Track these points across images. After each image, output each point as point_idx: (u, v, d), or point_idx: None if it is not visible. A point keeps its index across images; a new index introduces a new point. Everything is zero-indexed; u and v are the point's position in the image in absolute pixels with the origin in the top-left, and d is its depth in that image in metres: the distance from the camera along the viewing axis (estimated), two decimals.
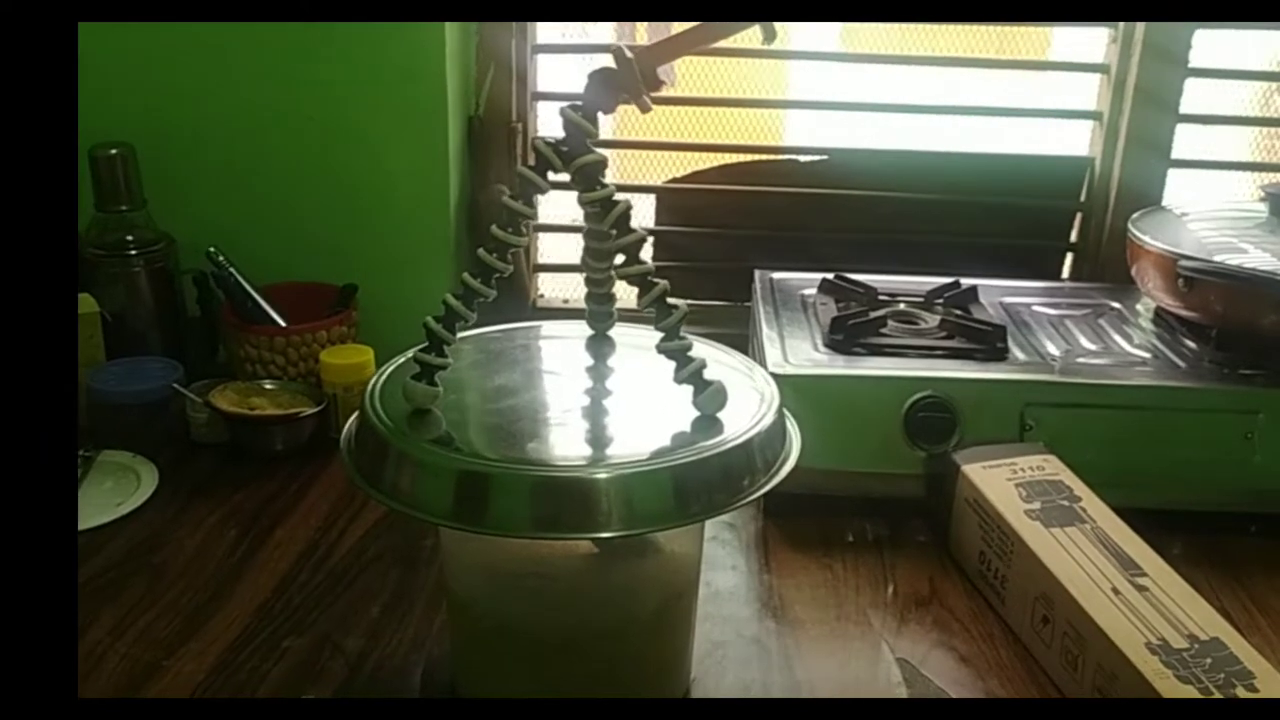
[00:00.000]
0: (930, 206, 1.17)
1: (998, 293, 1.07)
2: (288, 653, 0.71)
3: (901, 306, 1.02)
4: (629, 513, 0.54)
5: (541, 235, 1.23)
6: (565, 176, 0.61)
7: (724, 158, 1.20)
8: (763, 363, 0.90)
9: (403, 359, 0.67)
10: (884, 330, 0.95)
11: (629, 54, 0.56)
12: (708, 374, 0.61)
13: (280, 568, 0.80)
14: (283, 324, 1.03)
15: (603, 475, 0.54)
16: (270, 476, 0.93)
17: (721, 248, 1.21)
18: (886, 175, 1.18)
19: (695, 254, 1.21)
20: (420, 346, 0.61)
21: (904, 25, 1.16)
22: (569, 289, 1.27)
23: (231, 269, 1.03)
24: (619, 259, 0.60)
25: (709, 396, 0.60)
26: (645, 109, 0.58)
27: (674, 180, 1.21)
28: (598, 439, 0.60)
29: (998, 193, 1.18)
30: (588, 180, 0.59)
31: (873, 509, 0.89)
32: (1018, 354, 0.92)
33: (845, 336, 0.92)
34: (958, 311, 1.00)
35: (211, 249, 1.02)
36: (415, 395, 0.60)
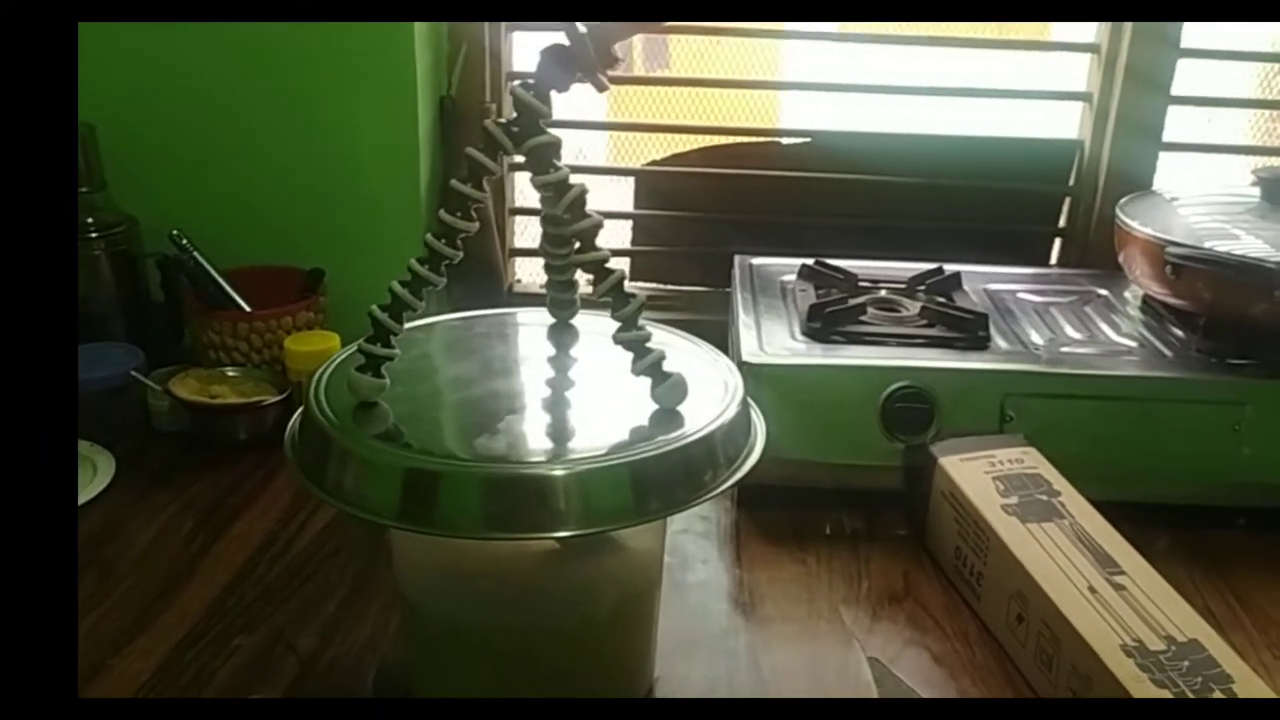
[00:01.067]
0: (916, 190, 1.15)
1: (982, 279, 1.04)
2: (238, 650, 0.68)
3: (882, 293, 0.99)
4: (586, 510, 0.52)
5: (517, 219, 1.20)
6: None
7: (705, 140, 1.17)
8: (738, 351, 0.87)
9: (352, 349, 0.64)
10: (863, 318, 0.92)
11: (582, 29, 0.53)
12: (668, 365, 0.59)
13: (236, 561, 0.78)
14: (247, 309, 1.00)
15: (559, 471, 0.52)
16: (232, 466, 0.91)
17: (702, 232, 1.18)
18: (871, 158, 1.15)
19: (675, 238, 1.18)
20: (366, 336, 0.58)
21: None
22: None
23: (195, 252, 1.00)
24: (575, 245, 0.57)
25: (668, 389, 0.58)
26: (601, 88, 0.56)
27: (653, 163, 1.18)
28: (554, 433, 0.57)
29: (985, 176, 1.15)
30: (540, 163, 0.56)
31: (849, 501, 0.86)
32: (1000, 343, 0.90)
33: (823, 324, 0.90)
34: (940, 299, 0.97)
35: (174, 231, 0.99)
36: (360, 388, 0.57)
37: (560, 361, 0.66)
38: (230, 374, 0.97)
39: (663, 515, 0.55)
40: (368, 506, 0.53)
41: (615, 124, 1.18)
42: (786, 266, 1.06)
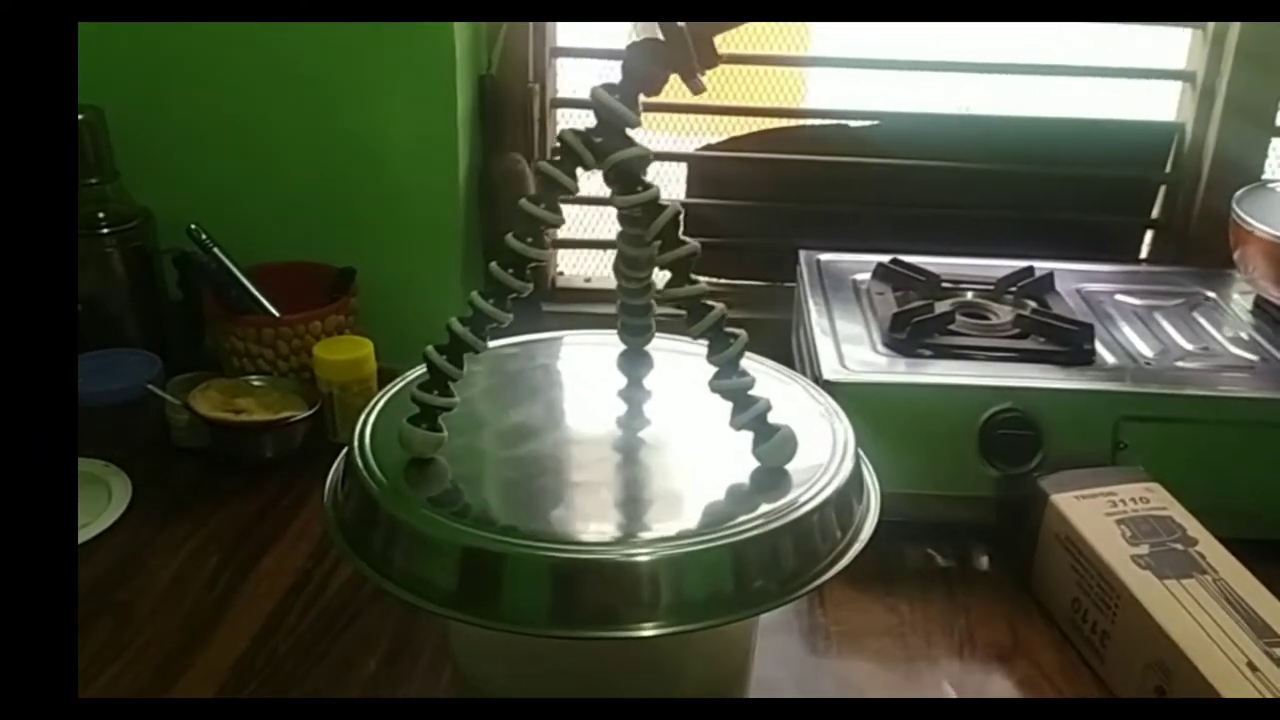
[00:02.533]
0: (992, 177, 1.05)
1: (1074, 278, 0.95)
2: None
3: (969, 297, 0.90)
4: (677, 602, 0.44)
5: (562, 207, 1.11)
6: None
7: (763, 122, 1.08)
8: (815, 365, 0.79)
9: (402, 383, 0.56)
10: (952, 327, 0.83)
11: (681, 24, 0.44)
12: (772, 416, 0.50)
13: (265, 607, 0.70)
14: (274, 312, 0.92)
15: (644, 557, 0.44)
16: (259, 488, 0.83)
17: (760, 222, 1.09)
18: (944, 143, 1.05)
19: (731, 229, 1.09)
20: (420, 380, 0.50)
21: None
22: (591, 266, 1.15)
23: (215, 249, 0.91)
24: (665, 276, 0.48)
25: (775, 446, 0.49)
26: (698, 90, 0.47)
27: (707, 147, 1.09)
28: (636, 500, 0.49)
29: (1068, 162, 1.05)
30: (626, 180, 0.48)
31: (937, 535, 0.78)
32: (1105, 356, 0.81)
33: (908, 335, 0.81)
34: (1033, 304, 0.88)
35: (193, 226, 0.91)
36: (413, 442, 0.49)
37: (636, 401, 0.57)
38: (256, 384, 0.89)
39: (770, 607, 0.46)
40: (418, 588, 0.45)
41: (670, 105, 1.08)
42: (857, 263, 0.97)
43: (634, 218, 0.50)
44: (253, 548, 0.76)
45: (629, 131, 0.48)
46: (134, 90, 0.95)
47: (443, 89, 0.96)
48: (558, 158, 0.48)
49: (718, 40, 0.47)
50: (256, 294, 0.92)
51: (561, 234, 1.12)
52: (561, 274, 1.14)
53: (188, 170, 0.98)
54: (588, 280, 1.13)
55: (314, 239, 0.98)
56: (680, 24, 0.45)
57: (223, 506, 0.81)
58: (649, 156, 0.48)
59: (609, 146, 0.47)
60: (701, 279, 1.06)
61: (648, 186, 0.48)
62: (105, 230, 0.93)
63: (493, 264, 0.48)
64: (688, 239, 0.48)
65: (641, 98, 0.48)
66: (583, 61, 1.08)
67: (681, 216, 0.49)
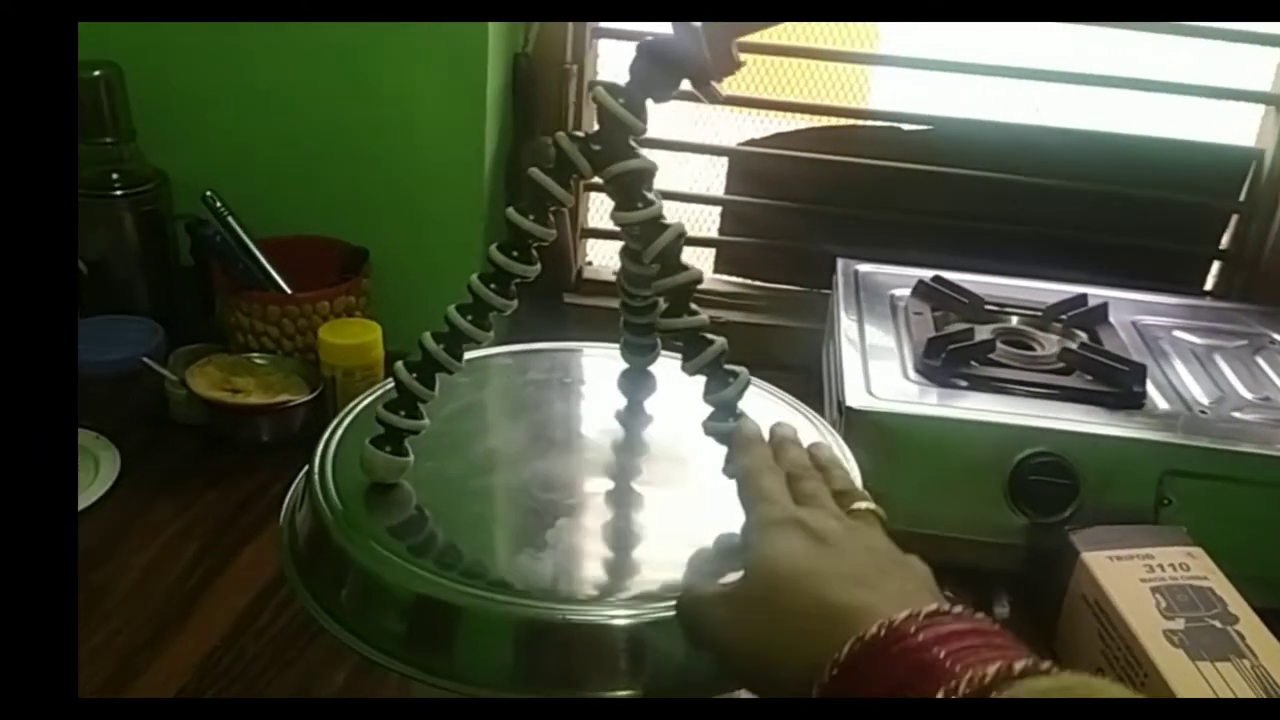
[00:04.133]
0: (1050, 193, 0.99)
1: (1130, 309, 0.89)
2: None
3: (1013, 323, 0.84)
4: (657, 670, 0.40)
5: (592, 195, 1.06)
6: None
7: (810, 120, 1.02)
8: (840, 387, 0.74)
9: (378, 392, 0.52)
10: (992, 356, 0.78)
11: (696, 24, 0.39)
12: None
13: (239, 603, 0.67)
14: (285, 288, 0.89)
15: (621, 620, 0.39)
16: (252, 471, 0.80)
17: (800, 224, 1.03)
18: (1000, 153, 0.99)
19: (769, 229, 1.04)
20: (387, 399, 0.46)
21: None
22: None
23: (230, 217, 0.88)
24: (661, 303, 0.44)
25: None
26: (714, 99, 0.42)
27: (751, 142, 1.03)
28: (618, 550, 0.44)
29: (1134, 183, 0.98)
30: (627, 194, 0.43)
31: (956, 579, 0.72)
32: (1157, 400, 0.75)
33: (943, 363, 0.75)
34: (1083, 336, 0.82)
35: (208, 193, 0.88)
36: (374, 466, 0.45)
37: (633, 429, 0.53)
38: (258, 362, 0.86)
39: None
40: (366, 631, 0.41)
41: (729, 98, 1.03)
42: (898, 277, 0.92)
43: (633, 234, 0.45)
44: (235, 536, 0.73)
45: (633, 140, 0.43)
46: (156, 49, 0.91)
47: (474, 64, 0.91)
48: (551, 165, 0.43)
49: (753, 39, 0.42)
50: (268, 268, 0.89)
51: (591, 223, 1.07)
52: (590, 264, 1.09)
53: (207, 134, 0.95)
54: (615, 274, 1.08)
55: (330, 213, 0.94)
56: (696, 24, 0.40)
57: (212, 488, 0.78)
58: (652, 169, 0.43)
59: (609, 156, 0.43)
60: (733, 278, 1.01)
61: (650, 203, 0.43)
62: (118, 192, 0.90)
63: (473, 277, 0.44)
64: (689, 265, 0.44)
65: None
66: (626, 44, 1.03)
67: (683, 239, 0.44)
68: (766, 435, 0.46)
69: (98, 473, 0.77)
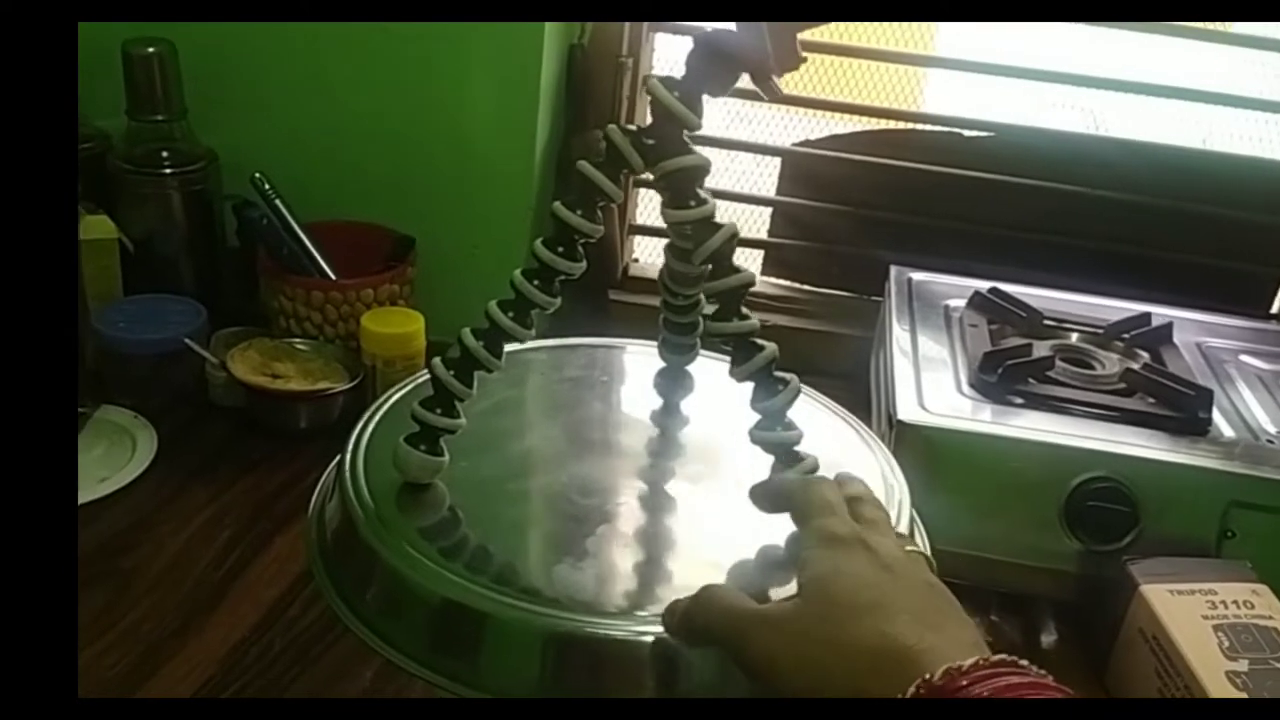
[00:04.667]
0: (1114, 206, 0.95)
1: (1195, 330, 0.86)
2: None
3: (1073, 340, 0.81)
4: (689, 687, 0.38)
5: (640, 191, 1.04)
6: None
7: (864, 123, 0.99)
8: (891, 400, 0.71)
9: (413, 384, 0.51)
10: (1050, 374, 0.75)
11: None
12: (820, 473, 0.44)
13: (269, 595, 0.66)
14: (330, 274, 0.88)
15: (652, 636, 0.38)
16: (288, 459, 0.79)
17: (853, 228, 1.01)
18: (1061, 163, 0.96)
19: (821, 232, 1.02)
20: (422, 395, 0.44)
21: None
22: None
23: (278, 200, 0.87)
24: (702, 302, 0.42)
25: None
26: (774, 96, 0.40)
27: (806, 143, 1.01)
28: (653, 561, 0.43)
29: (1203, 199, 0.95)
30: (679, 192, 0.41)
31: (1003, 604, 0.70)
32: (1222, 427, 0.71)
33: (1000, 379, 0.73)
34: (1146, 357, 0.79)
35: (257, 175, 0.87)
36: (408, 465, 0.43)
37: (670, 431, 0.51)
38: (300, 347, 0.85)
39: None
40: (390, 634, 0.40)
41: (785, 98, 1.00)
42: (953, 287, 0.89)
43: (683, 233, 0.43)
44: (268, 525, 0.72)
45: (687, 136, 0.41)
46: (211, 27, 0.90)
47: (529, 55, 0.90)
48: (602, 159, 0.41)
49: (803, 38, 0.40)
50: (314, 252, 0.88)
51: (640, 219, 1.05)
52: (636, 261, 1.07)
53: (258, 116, 0.94)
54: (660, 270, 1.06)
55: (377, 200, 0.93)
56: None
57: (248, 474, 0.77)
58: (706, 166, 0.41)
59: (662, 151, 0.41)
60: (781, 281, 0.98)
61: (702, 201, 0.41)
62: (168, 170, 0.90)
63: (516, 273, 0.42)
64: (741, 267, 0.42)
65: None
66: (683, 38, 1.01)
67: (736, 239, 0.42)
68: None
69: (134, 453, 0.77)
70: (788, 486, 0.41)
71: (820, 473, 0.44)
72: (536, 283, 0.42)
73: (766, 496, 0.42)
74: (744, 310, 0.42)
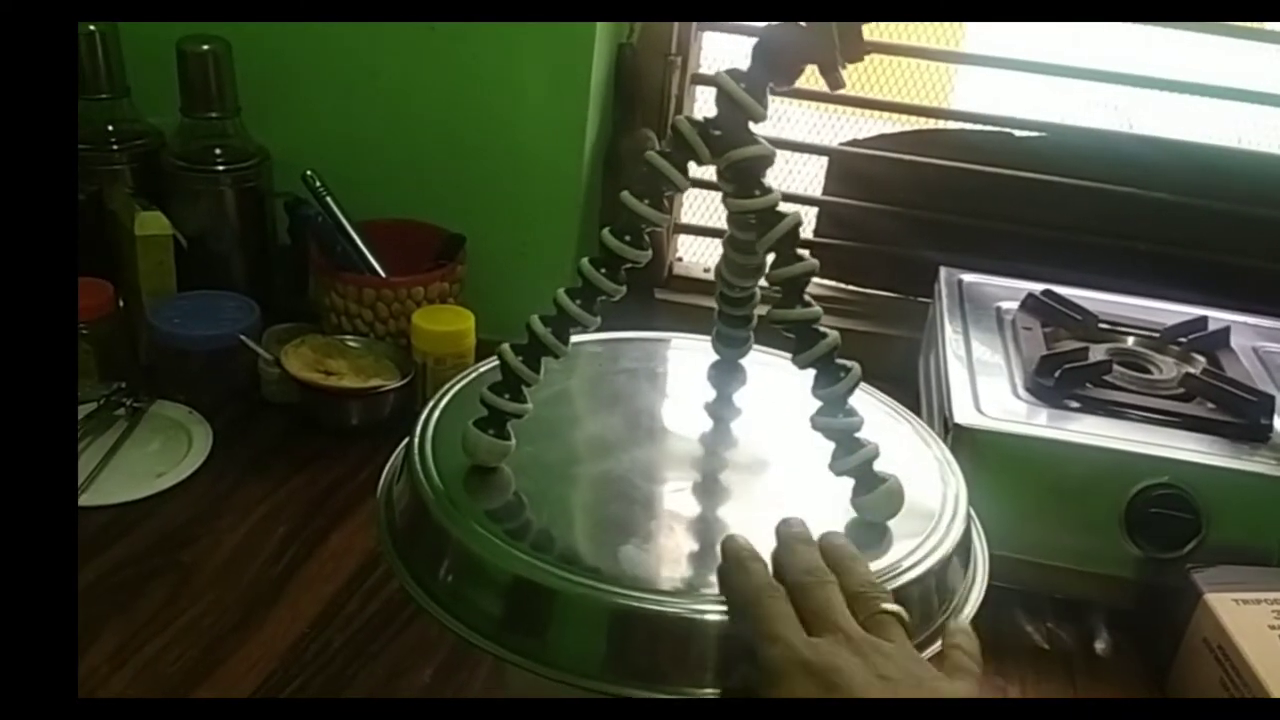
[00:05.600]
0: (1169, 209, 0.94)
1: (1252, 334, 0.85)
2: None
3: (1129, 344, 0.81)
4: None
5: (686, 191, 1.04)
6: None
7: (902, 121, 0.99)
8: (945, 403, 0.71)
9: (479, 370, 0.51)
10: (1107, 378, 0.74)
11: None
12: (880, 463, 0.44)
13: (326, 590, 0.67)
14: (380, 272, 0.88)
15: (714, 615, 0.38)
16: (341, 454, 0.80)
17: (901, 229, 1.00)
18: (1114, 164, 0.95)
19: (868, 233, 1.01)
20: (488, 380, 0.44)
21: None
22: (712, 255, 1.08)
23: (329, 198, 0.88)
24: (776, 294, 0.42)
25: (878, 499, 0.43)
26: (836, 85, 0.40)
27: (853, 142, 1.01)
28: (713, 542, 0.43)
29: (1260, 201, 0.94)
30: (745, 181, 0.42)
31: (1062, 612, 0.70)
32: None
33: (1057, 383, 0.72)
34: (1203, 361, 0.78)
35: (308, 173, 0.88)
36: (477, 449, 0.44)
37: (724, 421, 0.52)
38: (351, 344, 0.86)
39: None
40: (462, 610, 0.40)
41: (833, 96, 1.00)
42: (1004, 289, 0.88)
43: (748, 223, 0.44)
44: (324, 521, 0.73)
45: (751, 127, 0.41)
46: (265, 25, 0.91)
47: (579, 53, 0.90)
48: (669, 149, 0.42)
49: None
50: (365, 250, 0.89)
51: (684, 218, 1.05)
52: (680, 260, 1.07)
53: (310, 114, 0.95)
54: (707, 270, 1.06)
55: (428, 198, 0.94)
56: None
57: (302, 470, 0.78)
58: (771, 156, 0.42)
59: (729, 141, 0.41)
60: (827, 282, 0.98)
61: (767, 191, 0.42)
62: (221, 167, 0.90)
63: (584, 260, 0.43)
64: (805, 255, 0.42)
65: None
66: (733, 37, 1.00)
67: (801, 229, 0.42)
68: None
69: (190, 448, 0.78)
70: (735, 606, 0.40)
71: (878, 460, 0.44)
72: (604, 270, 0.43)
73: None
74: (807, 298, 0.43)
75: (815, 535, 0.43)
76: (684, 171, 0.44)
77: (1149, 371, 0.77)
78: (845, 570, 0.41)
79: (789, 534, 0.42)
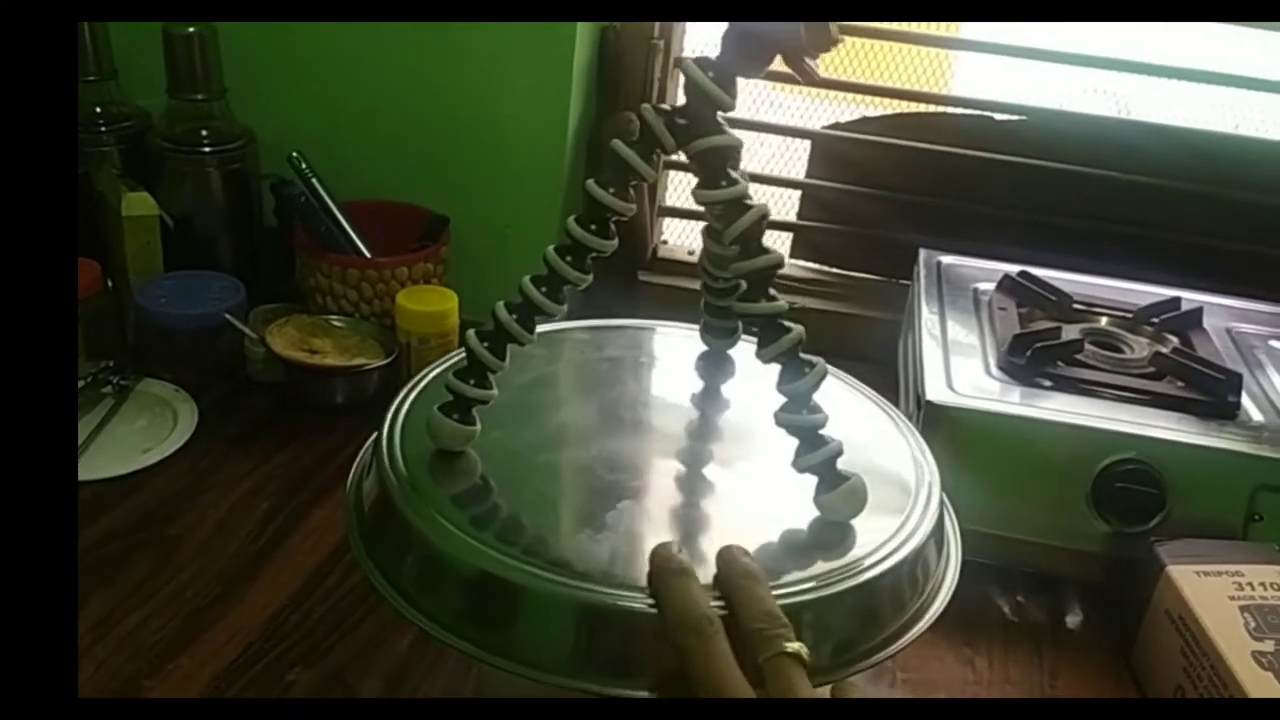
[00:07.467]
0: (1145, 191, 0.95)
1: (1225, 315, 0.86)
2: (290, 688, 0.58)
3: (1102, 324, 0.82)
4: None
5: (671, 173, 1.05)
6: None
7: (895, 105, 1.00)
8: (920, 381, 0.72)
9: (451, 360, 0.52)
10: (1079, 357, 0.75)
11: None
12: (843, 459, 0.45)
13: (308, 564, 0.68)
14: (365, 252, 0.89)
15: None
16: (326, 432, 0.81)
17: (882, 212, 1.01)
18: (1093, 148, 0.96)
19: (850, 216, 1.02)
20: (457, 367, 0.45)
21: None
22: (697, 239, 1.09)
23: (314, 179, 0.89)
24: (740, 286, 0.43)
25: (840, 498, 0.44)
26: (810, 79, 0.41)
27: (835, 125, 1.01)
28: (684, 535, 0.44)
29: (1230, 185, 0.94)
30: (711, 171, 0.42)
31: (1031, 585, 0.71)
32: (1251, 412, 0.72)
33: (1029, 361, 0.73)
34: (1175, 341, 0.79)
35: (294, 154, 0.88)
36: (440, 433, 0.45)
37: (708, 414, 0.52)
38: (336, 324, 0.87)
39: (820, 682, 0.41)
40: (427, 603, 0.41)
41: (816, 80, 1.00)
42: (982, 270, 0.89)
43: (717, 214, 0.44)
44: (306, 497, 0.74)
45: (720, 116, 0.42)
46: None
47: (562, 36, 0.90)
48: (635, 137, 0.42)
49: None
50: (350, 231, 0.90)
51: (668, 201, 1.06)
52: (665, 242, 1.08)
53: (295, 96, 0.96)
54: (691, 253, 1.07)
55: (411, 180, 0.95)
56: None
57: (286, 447, 0.79)
58: (738, 146, 0.42)
59: (695, 131, 0.42)
60: (810, 265, 0.99)
61: (734, 181, 0.42)
62: (206, 149, 0.91)
63: (549, 249, 0.43)
64: (770, 248, 0.42)
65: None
66: (717, 22, 1.01)
67: (766, 220, 0.42)
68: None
69: (176, 425, 0.79)
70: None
71: (842, 458, 0.44)
72: (569, 259, 0.43)
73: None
74: (772, 292, 0.43)
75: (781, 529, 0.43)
76: (649, 161, 0.43)
77: (1121, 351, 0.78)
78: (741, 602, 0.38)
79: (659, 566, 0.39)
